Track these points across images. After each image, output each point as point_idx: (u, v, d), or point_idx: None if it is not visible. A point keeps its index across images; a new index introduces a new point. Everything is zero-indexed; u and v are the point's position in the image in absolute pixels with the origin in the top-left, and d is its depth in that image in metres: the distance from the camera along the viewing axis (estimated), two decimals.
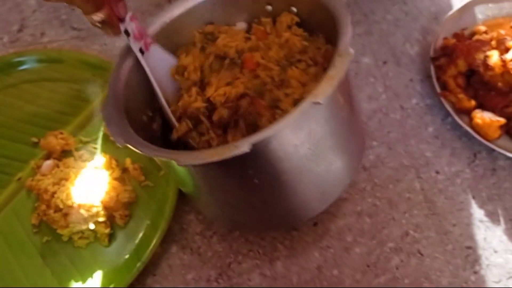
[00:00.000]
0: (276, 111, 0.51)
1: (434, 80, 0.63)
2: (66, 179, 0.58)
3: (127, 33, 0.49)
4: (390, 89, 0.67)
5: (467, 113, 0.61)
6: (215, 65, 0.55)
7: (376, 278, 0.55)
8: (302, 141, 0.45)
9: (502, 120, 0.59)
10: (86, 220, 0.56)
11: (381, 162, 0.61)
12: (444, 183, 0.60)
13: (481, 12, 0.68)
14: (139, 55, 0.51)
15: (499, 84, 0.60)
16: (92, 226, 0.57)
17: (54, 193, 0.58)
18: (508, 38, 0.62)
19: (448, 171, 0.60)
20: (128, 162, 0.61)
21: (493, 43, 0.62)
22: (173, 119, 0.53)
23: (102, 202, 0.57)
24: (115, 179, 0.59)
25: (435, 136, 0.63)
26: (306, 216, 0.55)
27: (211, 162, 0.41)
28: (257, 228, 0.57)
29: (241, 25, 0.57)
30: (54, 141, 0.62)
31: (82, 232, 0.57)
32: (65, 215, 0.57)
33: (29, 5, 0.80)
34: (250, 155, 0.40)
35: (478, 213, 0.58)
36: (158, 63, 0.53)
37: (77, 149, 0.63)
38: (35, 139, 0.64)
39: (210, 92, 0.53)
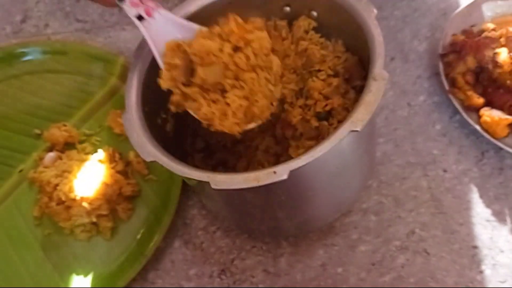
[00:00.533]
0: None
1: (443, 77, 0.62)
2: (69, 172, 0.58)
3: None
4: (397, 86, 0.66)
5: (475, 110, 0.60)
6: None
7: (381, 277, 0.54)
8: (333, 162, 0.45)
9: (510, 118, 0.58)
10: (88, 213, 0.56)
11: (387, 159, 0.61)
12: (452, 181, 0.59)
13: (490, 9, 0.67)
14: (136, 22, 0.47)
15: (508, 81, 0.59)
16: (94, 219, 0.56)
17: (56, 185, 0.57)
18: None
19: (455, 169, 0.60)
20: (131, 155, 0.60)
21: (502, 40, 0.62)
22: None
23: (104, 195, 0.56)
24: (118, 172, 0.58)
25: (442, 134, 0.62)
26: (321, 224, 0.56)
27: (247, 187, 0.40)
28: (272, 234, 0.57)
29: None
30: (57, 133, 0.61)
31: (84, 225, 0.57)
32: (67, 208, 0.56)
33: None
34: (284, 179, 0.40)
35: (485, 212, 0.57)
36: (167, 31, 0.47)
37: (80, 142, 0.62)
38: (37, 131, 0.63)
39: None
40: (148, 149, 0.43)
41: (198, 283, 0.55)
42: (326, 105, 0.52)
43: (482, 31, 0.65)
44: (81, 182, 0.57)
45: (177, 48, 0.45)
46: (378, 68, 0.44)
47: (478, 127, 0.59)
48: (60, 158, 0.60)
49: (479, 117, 0.60)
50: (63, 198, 0.56)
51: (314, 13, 0.54)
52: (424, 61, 0.67)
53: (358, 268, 0.55)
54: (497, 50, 0.60)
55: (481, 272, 0.54)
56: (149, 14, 0.47)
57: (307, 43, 0.54)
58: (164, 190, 0.58)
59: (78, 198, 0.56)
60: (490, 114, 0.59)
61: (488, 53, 0.61)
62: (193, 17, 0.52)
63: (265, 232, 0.56)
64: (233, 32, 0.44)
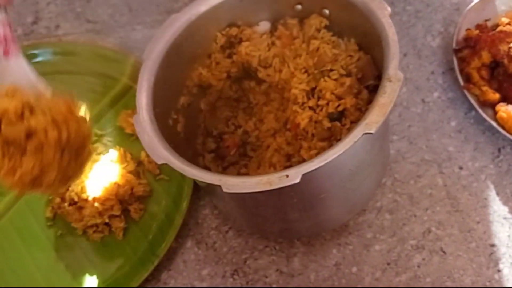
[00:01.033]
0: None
1: (457, 72, 0.61)
2: None
3: None
4: (410, 82, 0.65)
5: (491, 106, 0.59)
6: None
7: (397, 277, 0.54)
8: (346, 165, 0.45)
9: None
10: (100, 214, 0.56)
11: (401, 156, 0.60)
12: (468, 179, 0.58)
13: (504, 3, 0.66)
14: None
15: None
16: (106, 219, 0.56)
17: (68, 186, 0.57)
18: None
19: (471, 166, 0.59)
20: (143, 155, 0.60)
21: None
22: None
23: (116, 195, 0.56)
24: (130, 172, 0.58)
25: (458, 131, 0.61)
26: (335, 225, 0.56)
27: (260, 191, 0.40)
28: (283, 235, 0.56)
29: (265, 25, 0.56)
30: None
31: (96, 225, 0.57)
32: (80, 208, 0.56)
33: None
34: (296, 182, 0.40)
35: (502, 210, 0.56)
36: (15, 78, 0.46)
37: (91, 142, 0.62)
38: None
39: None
40: (159, 152, 0.43)
41: (211, 283, 0.55)
42: (339, 105, 0.51)
43: (497, 25, 0.64)
44: (93, 182, 0.57)
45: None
46: (393, 69, 0.43)
47: (494, 123, 0.58)
48: None
49: (495, 112, 0.59)
50: (75, 199, 0.56)
51: (326, 11, 0.54)
52: (437, 56, 0.66)
53: (373, 268, 0.54)
54: None
55: (499, 271, 0.53)
56: (6, 54, 0.46)
57: (319, 42, 0.53)
58: (175, 190, 0.58)
59: (90, 198, 0.56)
60: (506, 110, 0.58)
61: (503, 47, 0.59)
62: (204, 17, 0.52)
63: (277, 233, 0.56)
64: (60, 111, 0.43)
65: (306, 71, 0.54)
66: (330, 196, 0.49)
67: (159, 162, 0.43)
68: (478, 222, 0.56)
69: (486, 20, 0.64)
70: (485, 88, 0.59)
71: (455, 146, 0.60)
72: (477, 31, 0.63)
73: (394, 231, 0.56)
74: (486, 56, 0.60)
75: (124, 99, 0.65)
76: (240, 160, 0.55)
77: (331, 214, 0.52)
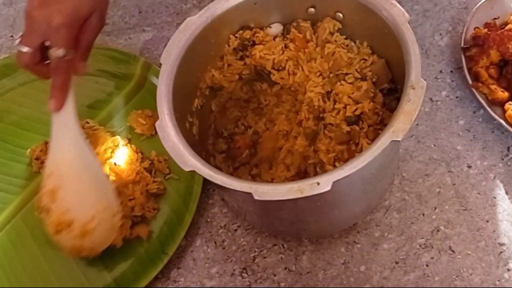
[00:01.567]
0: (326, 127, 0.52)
1: (466, 71, 0.61)
2: None
3: None
4: None
5: (500, 105, 0.59)
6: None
7: (405, 275, 0.54)
8: (369, 169, 0.45)
9: None
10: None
11: (409, 155, 0.60)
12: (477, 177, 0.58)
13: None
14: None
15: None
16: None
17: None
18: None
19: (480, 165, 0.59)
20: (153, 154, 0.61)
21: None
22: None
23: (133, 194, 0.57)
24: (145, 169, 0.59)
25: (466, 129, 0.61)
26: (348, 224, 0.56)
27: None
28: (299, 236, 0.57)
29: (277, 27, 0.56)
30: None
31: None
32: None
33: None
34: None
35: (511, 208, 0.56)
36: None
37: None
38: None
39: None
40: (185, 159, 0.43)
41: (220, 281, 0.55)
42: (356, 109, 0.51)
43: (505, 23, 0.64)
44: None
45: None
46: (416, 76, 0.43)
47: (503, 122, 0.58)
48: None
49: (504, 111, 0.58)
50: None
51: (340, 15, 0.54)
52: (446, 55, 0.66)
53: (381, 267, 0.54)
54: None
55: (508, 270, 0.53)
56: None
57: (334, 46, 0.54)
58: (185, 189, 0.58)
59: None
60: None
61: None
62: (218, 19, 0.52)
63: (293, 233, 0.56)
64: None
65: (321, 75, 0.54)
66: (350, 200, 0.49)
67: (187, 169, 0.43)
68: (487, 221, 0.56)
69: (494, 19, 0.64)
70: (493, 87, 0.59)
71: (464, 145, 0.60)
72: (486, 30, 0.63)
73: (403, 229, 0.56)
74: (494, 55, 0.60)
75: (134, 99, 0.66)
76: (250, 161, 0.55)
77: (347, 215, 0.52)
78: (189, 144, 0.45)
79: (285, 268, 0.55)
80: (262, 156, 0.55)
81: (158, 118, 0.46)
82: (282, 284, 0.55)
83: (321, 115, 0.53)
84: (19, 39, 0.50)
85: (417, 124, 0.62)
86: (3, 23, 0.79)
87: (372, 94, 0.52)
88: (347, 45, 0.54)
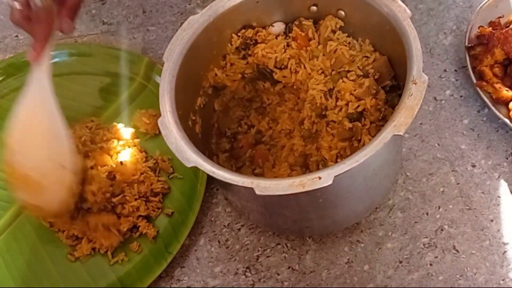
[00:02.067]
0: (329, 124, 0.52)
1: (470, 70, 0.61)
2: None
3: None
4: None
5: (504, 104, 0.59)
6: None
7: (409, 275, 0.54)
8: (371, 165, 0.45)
9: None
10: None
11: (413, 154, 0.60)
12: (481, 177, 0.58)
13: None
14: None
15: None
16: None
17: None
18: None
19: (484, 164, 0.58)
20: (157, 153, 0.61)
21: None
22: None
23: (139, 193, 0.57)
24: (150, 168, 0.59)
25: (470, 129, 0.61)
26: (351, 222, 0.56)
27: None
28: (302, 234, 0.57)
29: (279, 26, 0.56)
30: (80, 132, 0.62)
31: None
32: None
33: None
34: None
35: None
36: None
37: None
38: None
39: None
40: (187, 155, 0.43)
41: (223, 280, 0.55)
42: (358, 106, 0.51)
43: (510, 22, 0.64)
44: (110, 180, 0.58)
45: None
46: (417, 71, 0.43)
47: (507, 121, 0.57)
48: (88, 157, 0.61)
49: (509, 110, 0.58)
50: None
51: (342, 13, 0.54)
52: (450, 54, 0.66)
53: (385, 266, 0.54)
54: None
55: None
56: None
57: (336, 44, 0.54)
58: (189, 188, 0.58)
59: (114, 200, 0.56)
60: None
61: None
62: (221, 18, 0.52)
63: (296, 231, 0.56)
64: None
65: (322, 72, 0.54)
66: (352, 196, 0.49)
67: (189, 165, 0.43)
68: (492, 220, 0.55)
69: (499, 17, 0.64)
70: (498, 86, 0.59)
71: (468, 144, 0.60)
72: (490, 29, 0.62)
73: (406, 229, 0.56)
74: (499, 54, 0.60)
75: (138, 98, 0.66)
76: (254, 157, 0.55)
77: (350, 213, 0.52)
78: (193, 142, 0.45)
79: (289, 267, 0.55)
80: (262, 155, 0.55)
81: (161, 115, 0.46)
82: (286, 283, 0.55)
83: (323, 113, 0.53)
84: None
85: (421, 123, 0.62)
86: (8, 24, 0.79)
87: (374, 91, 0.52)
88: (349, 43, 0.54)
